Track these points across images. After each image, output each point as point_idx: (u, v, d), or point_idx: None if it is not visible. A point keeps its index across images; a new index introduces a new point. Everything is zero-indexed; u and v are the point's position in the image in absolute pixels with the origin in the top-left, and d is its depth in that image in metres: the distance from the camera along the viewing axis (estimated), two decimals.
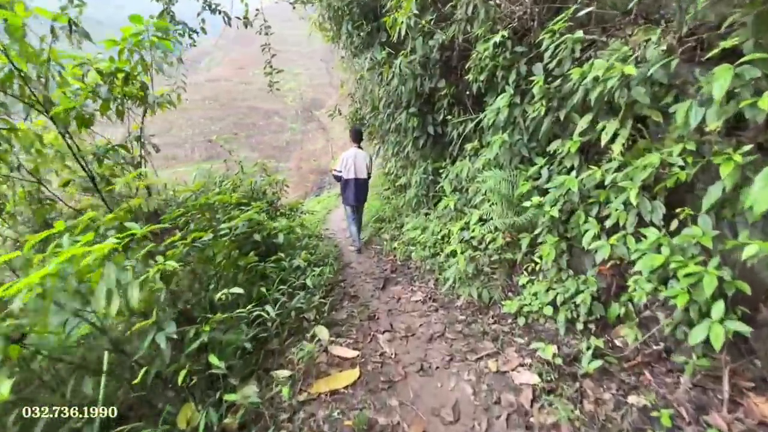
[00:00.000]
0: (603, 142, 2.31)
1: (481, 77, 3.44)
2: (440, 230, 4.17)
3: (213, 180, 4.65)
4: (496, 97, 3.49)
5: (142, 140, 2.80)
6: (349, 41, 5.45)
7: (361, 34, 5.17)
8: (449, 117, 4.49)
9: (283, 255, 3.58)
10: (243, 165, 5.05)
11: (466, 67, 3.72)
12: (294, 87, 14.72)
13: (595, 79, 2.22)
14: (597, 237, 2.28)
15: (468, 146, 3.96)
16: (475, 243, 3.29)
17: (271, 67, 6.69)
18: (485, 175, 3.14)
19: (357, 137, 5.31)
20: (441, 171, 4.82)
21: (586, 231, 2.35)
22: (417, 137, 5.06)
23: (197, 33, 5.64)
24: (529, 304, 2.59)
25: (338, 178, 5.26)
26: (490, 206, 3.21)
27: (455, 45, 4.08)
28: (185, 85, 5.90)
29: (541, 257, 2.62)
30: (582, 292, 2.33)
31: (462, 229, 3.54)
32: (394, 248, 4.99)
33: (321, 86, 49.13)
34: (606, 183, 2.27)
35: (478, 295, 2.93)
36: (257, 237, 3.26)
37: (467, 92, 4.31)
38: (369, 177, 5.36)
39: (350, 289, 3.76)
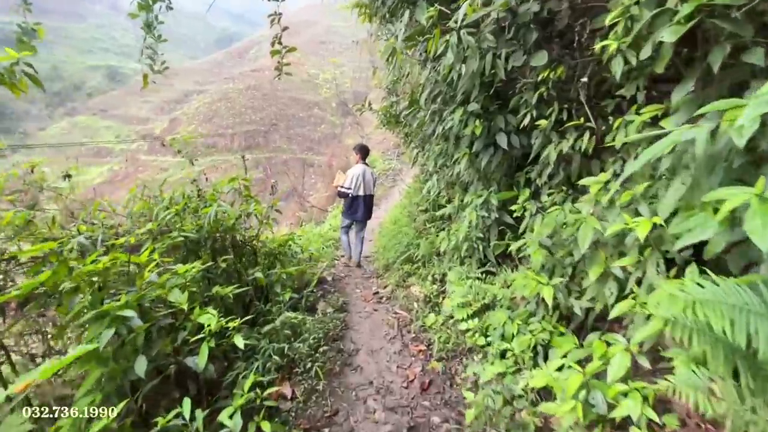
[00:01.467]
0: None
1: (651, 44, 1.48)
2: (517, 331, 2.26)
3: (159, 201, 3.02)
4: (687, 85, 1.55)
5: None
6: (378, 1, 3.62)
7: None
8: (540, 122, 2.56)
9: (222, 396, 1.87)
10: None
11: (607, 22, 1.78)
12: (329, 77, 12.87)
13: None
14: None
15: (591, 185, 2.01)
16: None
17: (280, 43, 4.98)
18: (684, 287, 1.20)
19: (364, 154, 5.18)
20: (514, 210, 2.91)
21: None
22: (477, 152, 3.16)
23: None
24: None
25: (344, 195, 5.07)
26: (697, 366, 1.27)
27: None
28: (153, 63, 4.38)
29: None
30: None
31: (582, 377, 1.62)
32: (430, 327, 3.14)
33: (365, 79, 47.64)
34: None
35: None
36: (143, 362, 1.55)
37: (583, 79, 2.34)
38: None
39: None
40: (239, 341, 1.84)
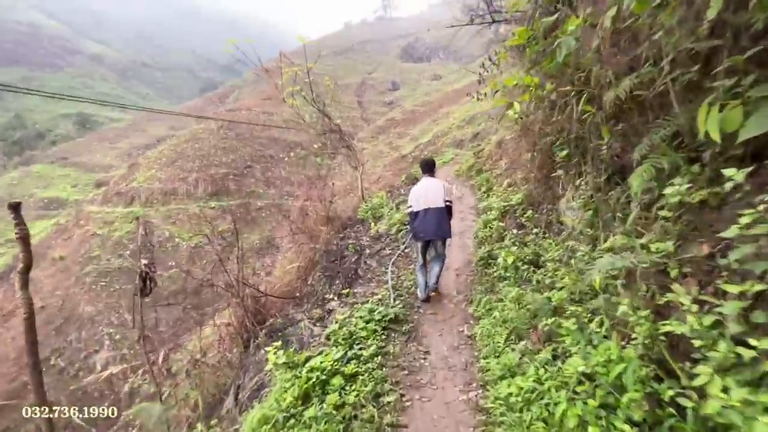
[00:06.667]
0: None
1: None
2: None
3: None
4: None
5: None
6: None
7: None
8: None
9: None
10: None
11: None
12: (294, 72, 8.59)
13: None
14: None
15: None
16: None
17: None
18: None
19: (427, 168, 4.67)
20: None
21: None
22: None
23: None
24: None
25: (412, 215, 4.45)
26: None
27: None
28: None
29: None
30: None
31: None
32: None
33: (352, 119, 44.06)
34: None
35: None
36: None
37: None
38: (449, 206, 4.42)
39: None
40: None
